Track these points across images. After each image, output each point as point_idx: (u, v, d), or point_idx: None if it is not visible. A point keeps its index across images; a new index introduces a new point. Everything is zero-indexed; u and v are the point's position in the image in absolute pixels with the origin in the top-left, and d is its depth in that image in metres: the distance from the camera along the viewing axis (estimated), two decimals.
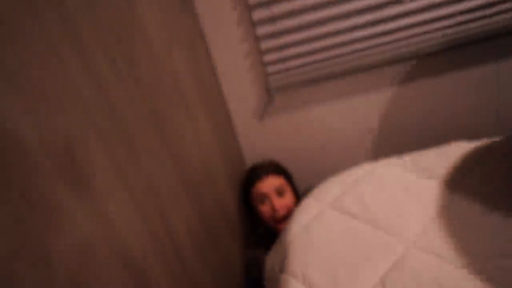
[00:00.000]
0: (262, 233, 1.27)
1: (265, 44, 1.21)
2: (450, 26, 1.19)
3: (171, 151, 0.88)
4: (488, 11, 1.17)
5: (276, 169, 1.28)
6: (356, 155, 1.40)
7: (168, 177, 0.84)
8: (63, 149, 0.53)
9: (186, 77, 1.04)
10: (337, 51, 1.23)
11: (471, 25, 1.19)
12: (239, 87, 1.29)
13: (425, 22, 1.18)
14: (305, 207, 1.07)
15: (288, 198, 1.24)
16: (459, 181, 0.97)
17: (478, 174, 0.98)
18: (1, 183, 0.41)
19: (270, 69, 1.25)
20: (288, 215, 1.21)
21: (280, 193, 1.23)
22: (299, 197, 1.28)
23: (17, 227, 0.42)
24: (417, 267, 0.76)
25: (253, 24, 1.18)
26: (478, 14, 1.17)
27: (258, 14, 1.16)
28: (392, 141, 1.37)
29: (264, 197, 1.22)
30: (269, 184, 1.22)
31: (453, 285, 0.69)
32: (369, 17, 1.17)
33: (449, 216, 0.86)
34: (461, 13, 1.17)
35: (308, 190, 1.20)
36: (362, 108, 1.33)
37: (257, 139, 1.38)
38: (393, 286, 0.74)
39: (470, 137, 1.31)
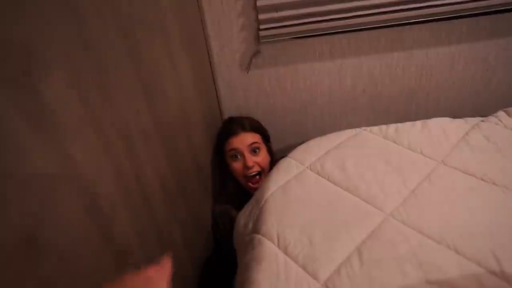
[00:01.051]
0: (232, 191, 1.23)
1: None
2: None
3: (147, 92, 0.79)
4: None
5: (254, 126, 1.22)
6: (340, 120, 1.36)
7: (142, 120, 0.76)
8: (16, 75, 0.43)
9: (169, 12, 0.92)
10: (333, 6, 1.13)
11: None
12: (226, 32, 1.18)
13: None
14: (283, 167, 1.03)
15: (262, 157, 1.19)
16: (446, 155, 0.97)
17: (465, 149, 0.97)
18: None
19: (263, 16, 1.14)
20: (260, 175, 1.18)
21: (253, 150, 1.17)
22: (274, 161, 1.23)
23: None
24: (395, 239, 0.75)
25: None
26: None
27: None
28: (378, 110, 1.34)
29: (236, 153, 1.16)
30: (244, 140, 1.16)
31: (431, 260, 0.69)
32: None
33: (432, 190, 0.85)
34: None
35: (286, 151, 1.15)
36: (350, 72, 1.27)
37: (239, 91, 1.30)
38: (370, 255, 0.72)
39: (454, 110, 1.32)
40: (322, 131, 1.22)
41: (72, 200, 0.52)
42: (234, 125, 1.20)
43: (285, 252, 0.77)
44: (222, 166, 1.24)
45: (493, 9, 1.12)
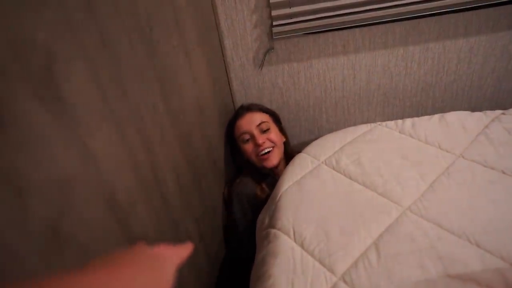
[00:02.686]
0: (249, 172, 1.19)
1: None
2: None
3: (163, 87, 0.80)
4: None
5: (260, 107, 1.20)
6: (354, 115, 1.35)
7: (158, 115, 0.77)
8: (43, 66, 0.44)
9: (185, 7, 0.93)
10: (346, 1, 1.12)
11: None
12: (239, 29, 1.19)
13: None
14: (298, 162, 1.03)
15: (272, 134, 1.15)
16: (465, 149, 0.95)
17: (485, 142, 0.95)
18: None
19: (276, 12, 1.14)
20: (274, 152, 1.14)
21: (263, 130, 1.14)
22: (287, 138, 1.21)
23: None
24: (413, 233, 0.74)
25: None
26: None
27: None
28: (394, 104, 1.32)
29: (246, 135, 1.13)
30: (251, 120, 1.14)
31: (452, 254, 0.67)
32: None
33: (450, 183, 0.84)
34: None
35: (300, 147, 1.15)
36: (364, 66, 1.25)
37: (252, 88, 1.30)
38: (387, 249, 0.72)
39: (473, 103, 1.29)
40: (336, 127, 1.21)
41: (93, 194, 0.53)
42: (239, 109, 1.19)
43: (302, 246, 0.77)
44: (235, 156, 1.23)
45: None
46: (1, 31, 0.38)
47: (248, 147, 1.13)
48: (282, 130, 1.23)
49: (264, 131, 1.14)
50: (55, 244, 0.44)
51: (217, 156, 1.15)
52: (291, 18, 1.16)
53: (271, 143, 1.13)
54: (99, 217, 0.55)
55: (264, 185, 1.13)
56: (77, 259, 0.48)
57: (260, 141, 1.10)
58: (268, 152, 1.12)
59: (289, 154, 1.19)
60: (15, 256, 0.38)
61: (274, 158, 1.12)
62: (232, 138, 1.19)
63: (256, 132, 1.12)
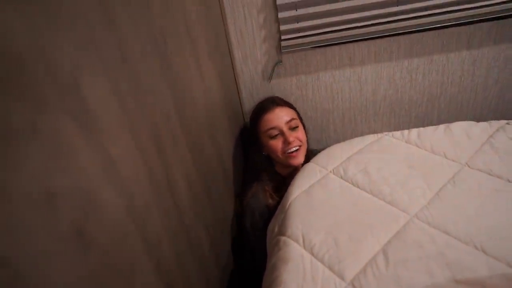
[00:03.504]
0: (266, 178, 1.17)
1: (281, 0, 1.14)
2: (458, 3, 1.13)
3: (176, 98, 0.83)
4: None
5: (285, 101, 1.18)
6: (361, 126, 1.38)
7: (171, 125, 0.81)
8: (71, 80, 0.48)
9: (197, 21, 0.98)
10: (351, 16, 1.17)
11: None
12: (249, 43, 1.23)
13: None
14: (307, 172, 1.05)
15: (301, 132, 1.15)
16: (470, 158, 0.96)
17: (490, 151, 0.97)
18: (8, 109, 0.37)
19: (284, 27, 1.18)
20: (301, 151, 1.14)
21: (292, 127, 1.13)
22: (307, 135, 1.21)
23: (13, 156, 0.38)
24: (420, 240, 0.75)
25: None
26: None
27: None
28: (400, 115, 1.35)
29: (275, 131, 1.11)
30: (280, 115, 1.12)
31: (459, 260, 0.69)
32: None
33: (456, 192, 0.85)
34: None
35: (310, 155, 1.17)
36: (370, 78, 1.29)
37: (261, 98, 1.33)
38: (395, 256, 0.73)
39: (477, 114, 1.31)
40: (344, 137, 1.24)
41: (114, 198, 0.56)
42: (265, 103, 1.16)
43: (311, 253, 0.79)
44: (252, 152, 1.20)
45: None
46: (37, 48, 0.42)
47: (276, 144, 1.12)
48: (305, 128, 1.22)
49: (293, 129, 1.13)
50: (80, 245, 0.47)
51: (227, 165, 1.18)
52: (299, 32, 1.20)
53: (299, 142, 1.13)
54: (119, 220, 0.58)
55: (274, 193, 1.14)
56: (99, 260, 0.51)
57: (291, 139, 1.10)
58: (296, 150, 1.12)
59: (307, 154, 1.18)
60: (47, 255, 0.41)
61: (301, 157, 1.13)
62: (254, 132, 1.16)
63: (286, 129, 1.11)
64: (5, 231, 0.35)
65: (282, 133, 1.11)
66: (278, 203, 1.05)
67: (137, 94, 0.66)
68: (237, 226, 1.18)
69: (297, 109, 1.23)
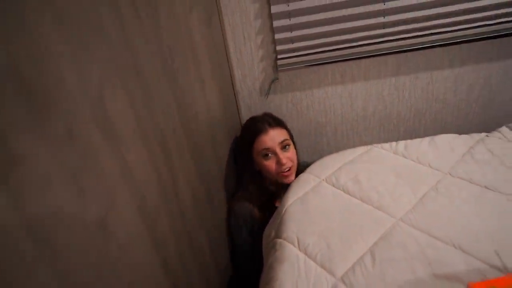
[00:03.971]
0: (253, 192, 1.23)
1: (277, 23, 1.24)
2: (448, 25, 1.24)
3: (181, 111, 0.91)
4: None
5: (278, 120, 1.25)
6: (353, 139, 1.46)
7: (177, 136, 0.88)
8: (97, 93, 0.56)
9: (201, 42, 1.07)
10: (343, 37, 1.27)
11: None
12: (248, 62, 1.32)
13: (433, 17, 1.23)
14: (301, 180, 1.12)
15: (291, 151, 1.22)
16: (452, 167, 1.05)
17: (470, 161, 1.05)
18: (50, 116, 0.45)
19: (280, 47, 1.28)
20: (292, 169, 1.20)
21: (284, 147, 1.20)
22: (297, 151, 1.27)
23: (55, 154, 0.45)
24: (405, 241, 0.82)
25: (269, 2, 1.21)
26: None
27: None
28: (388, 129, 1.44)
29: (268, 152, 1.18)
30: (274, 137, 1.18)
31: (439, 258, 0.76)
32: (373, 7, 1.22)
33: (438, 198, 0.93)
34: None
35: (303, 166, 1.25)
36: (360, 94, 1.38)
37: (259, 113, 1.42)
38: (381, 255, 0.80)
39: (461, 128, 1.40)
40: (336, 150, 1.32)
41: (129, 199, 0.63)
42: (259, 123, 1.21)
43: (305, 253, 0.85)
44: (244, 166, 1.26)
45: (493, 34, 1.23)
46: (74, 67, 0.50)
47: (270, 164, 1.18)
48: (295, 145, 1.28)
49: (284, 147, 1.20)
50: (102, 236, 0.54)
51: (226, 176, 1.25)
52: (294, 52, 1.30)
53: (291, 162, 1.19)
54: (133, 220, 0.65)
55: (260, 206, 1.19)
56: (117, 252, 0.58)
57: (284, 161, 1.16)
58: (288, 170, 1.19)
59: (298, 158, 1.25)
60: (79, 240, 0.48)
61: (293, 175, 1.20)
62: (247, 151, 1.22)
63: (278, 150, 1.17)
64: (49, 215, 0.43)
65: (275, 153, 1.18)
66: (263, 215, 1.12)
67: (149, 107, 0.75)
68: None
69: (288, 127, 1.30)
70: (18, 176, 0.38)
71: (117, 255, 0.58)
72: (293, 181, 1.17)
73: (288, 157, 1.19)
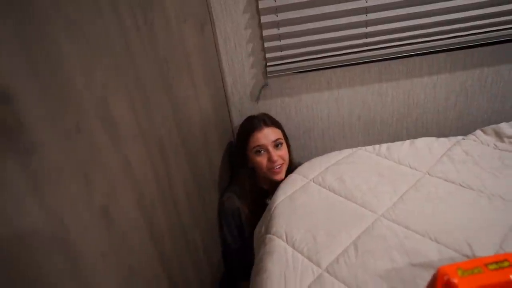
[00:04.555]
0: (249, 189, 1.28)
1: (267, 32, 1.31)
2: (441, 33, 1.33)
3: (176, 115, 0.97)
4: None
5: (273, 121, 1.30)
6: (339, 143, 1.53)
7: (173, 138, 0.94)
8: (101, 94, 0.61)
9: (194, 50, 1.13)
10: (329, 46, 1.34)
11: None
12: (239, 69, 1.39)
13: (411, 28, 1.32)
14: (290, 180, 1.19)
15: (284, 150, 1.27)
16: (430, 167, 1.12)
17: (447, 162, 1.13)
18: (61, 110, 0.50)
19: (270, 55, 1.35)
20: (283, 167, 1.26)
21: (277, 145, 1.25)
22: (291, 151, 1.33)
23: (65, 145, 0.51)
24: (385, 234, 0.89)
25: (259, 13, 1.28)
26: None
27: (264, 3, 1.26)
28: (372, 133, 1.51)
29: (261, 148, 1.23)
30: (268, 135, 1.23)
31: (416, 248, 0.82)
32: (357, 18, 1.30)
33: (417, 195, 1.00)
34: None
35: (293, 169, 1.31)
36: (346, 100, 1.45)
37: None
38: (364, 247, 0.86)
39: (441, 132, 1.48)
40: (323, 152, 1.38)
41: (129, 193, 0.68)
42: (255, 121, 1.27)
43: (293, 246, 0.91)
44: (239, 162, 1.31)
45: (466, 45, 1.32)
46: (81, 69, 0.55)
47: (262, 160, 1.24)
48: (288, 145, 1.34)
49: (277, 146, 1.25)
50: (105, 223, 0.59)
51: (218, 176, 1.31)
52: (283, 60, 1.37)
53: (282, 160, 1.25)
54: (133, 212, 0.70)
55: (251, 204, 1.24)
56: (118, 240, 0.63)
57: (275, 158, 1.22)
58: (279, 167, 1.25)
59: (291, 158, 1.31)
60: (85, 227, 0.53)
61: (283, 173, 1.25)
62: (242, 146, 1.28)
63: (271, 148, 1.23)
64: (58, 199, 0.48)
65: (267, 151, 1.24)
66: (253, 211, 1.17)
67: (147, 110, 0.80)
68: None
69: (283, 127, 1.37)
70: (36, 162, 0.44)
71: (119, 241, 0.63)
72: (283, 180, 1.23)
73: (280, 155, 1.24)
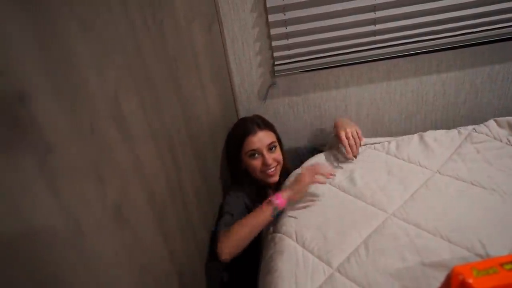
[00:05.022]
0: (248, 189, 1.27)
1: (274, 31, 1.31)
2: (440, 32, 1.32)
3: (185, 115, 0.97)
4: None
5: (267, 123, 1.29)
6: None
7: (182, 137, 0.94)
8: (113, 93, 0.62)
9: (202, 50, 1.13)
10: (337, 44, 1.34)
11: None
12: (246, 68, 1.39)
13: (420, 25, 1.30)
14: None
15: (278, 153, 1.26)
16: (441, 166, 1.11)
17: (458, 160, 1.12)
18: (76, 110, 0.50)
19: (277, 54, 1.35)
20: (277, 170, 1.25)
21: (271, 149, 1.24)
22: (285, 158, 1.32)
23: (80, 145, 0.51)
24: (396, 233, 0.88)
25: (266, 11, 1.28)
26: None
27: (271, 2, 1.26)
28: (381, 131, 1.50)
29: (255, 152, 1.22)
30: (262, 139, 1.22)
31: (427, 247, 0.81)
32: (365, 16, 1.29)
33: (428, 194, 0.99)
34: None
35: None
36: (354, 99, 1.45)
37: None
38: (375, 246, 0.86)
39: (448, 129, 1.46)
40: None
41: (140, 191, 0.69)
42: (249, 124, 1.25)
43: (303, 246, 0.91)
44: (233, 164, 1.30)
45: (476, 42, 1.30)
46: (94, 68, 0.56)
47: (256, 163, 1.23)
48: (282, 147, 1.33)
49: (271, 150, 1.25)
50: (118, 221, 0.59)
51: (227, 176, 1.31)
52: (290, 59, 1.37)
53: (276, 163, 1.25)
54: (144, 211, 0.70)
55: (253, 199, 1.23)
56: (131, 239, 0.63)
57: (269, 161, 1.21)
58: (273, 169, 1.24)
59: (285, 160, 1.31)
60: (98, 226, 0.53)
61: (277, 175, 1.25)
62: (236, 149, 1.27)
63: (265, 152, 1.22)
64: (73, 198, 0.48)
65: (262, 154, 1.23)
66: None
67: (157, 109, 0.80)
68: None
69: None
70: (51, 161, 0.44)
71: (131, 240, 0.63)
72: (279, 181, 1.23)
73: (274, 158, 1.24)
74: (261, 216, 1.03)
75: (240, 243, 1.01)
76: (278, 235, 0.97)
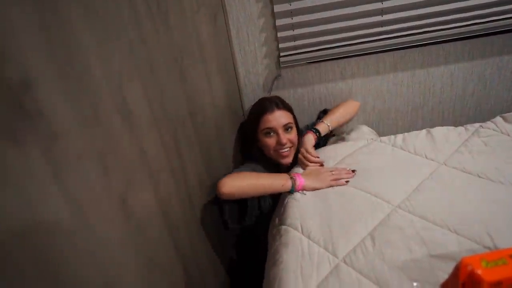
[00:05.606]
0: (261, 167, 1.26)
1: (280, 22, 1.29)
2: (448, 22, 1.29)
3: (190, 106, 0.96)
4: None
5: (286, 104, 1.29)
6: None
7: (186, 129, 0.93)
8: (117, 83, 0.61)
9: (207, 41, 1.12)
10: (342, 35, 1.32)
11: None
12: (251, 59, 1.38)
13: (428, 16, 1.28)
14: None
15: (293, 134, 1.26)
16: (447, 158, 1.10)
17: (465, 152, 1.10)
18: (80, 98, 0.50)
19: (283, 45, 1.34)
20: (291, 151, 1.25)
21: (287, 129, 1.24)
22: (300, 137, 1.31)
23: (84, 133, 0.51)
24: (402, 225, 0.87)
25: (272, 1, 1.26)
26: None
27: None
28: (387, 124, 1.49)
29: (271, 130, 1.22)
30: (279, 118, 1.22)
31: (434, 239, 0.80)
32: (372, 6, 1.27)
33: (433, 186, 0.98)
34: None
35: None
36: (360, 90, 1.43)
37: None
38: (381, 237, 0.85)
39: (457, 122, 1.45)
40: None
41: (146, 183, 0.68)
42: (267, 103, 1.25)
43: (308, 237, 0.90)
44: (249, 142, 1.31)
45: (485, 32, 1.28)
46: (98, 56, 0.55)
47: (270, 141, 1.23)
48: (299, 130, 1.32)
49: (287, 130, 1.24)
50: (123, 213, 0.59)
51: (231, 168, 1.30)
52: (296, 50, 1.35)
53: (291, 143, 1.24)
54: (150, 201, 0.70)
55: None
56: (136, 230, 0.63)
57: (284, 141, 1.21)
58: (287, 150, 1.23)
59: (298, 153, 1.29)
60: (104, 216, 0.53)
61: (291, 157, 1.24)
62: (253, 126, 1.27)
63: (281, 131, 1.22)
64: (78, 187, 0.48)
65: (277, 133, 1.23)
66: None
67: (161, 99, 0.80)
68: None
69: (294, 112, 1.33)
70: (56, 149, 0.43)
71: (137, 232, 0.63)
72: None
73: (289, 139, 1.23)
74: (275, 181, 1.05)
75: (242, 189, 1.03)
76: (284, 227, 0.97)
